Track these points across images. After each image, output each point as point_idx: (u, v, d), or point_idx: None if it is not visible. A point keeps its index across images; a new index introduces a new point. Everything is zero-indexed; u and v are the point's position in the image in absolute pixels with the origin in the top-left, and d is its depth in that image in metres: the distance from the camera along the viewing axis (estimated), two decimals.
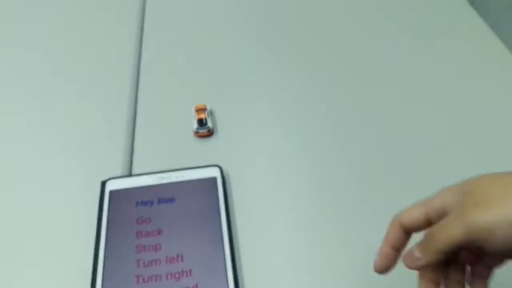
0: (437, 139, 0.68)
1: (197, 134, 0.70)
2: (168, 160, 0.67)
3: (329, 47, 0.85)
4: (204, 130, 0.69)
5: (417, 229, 0.37)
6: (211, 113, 0.73)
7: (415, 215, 0.36)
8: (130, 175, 0.65)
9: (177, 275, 0.53)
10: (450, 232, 0.32)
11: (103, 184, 0.63)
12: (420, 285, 0.37)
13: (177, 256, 0.55)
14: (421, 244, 0.35)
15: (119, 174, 0.65)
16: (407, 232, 0.37)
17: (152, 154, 0.69)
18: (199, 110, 0.72)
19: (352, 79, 0.78)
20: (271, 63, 0.82)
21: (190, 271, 0.53)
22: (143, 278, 0.53)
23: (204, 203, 0.60)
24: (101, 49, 0.86)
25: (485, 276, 0.36)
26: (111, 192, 0.61)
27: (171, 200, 0.61)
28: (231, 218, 0.59)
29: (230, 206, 0.60)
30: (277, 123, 0.73)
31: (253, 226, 0.59)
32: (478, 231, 0.31)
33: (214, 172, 0.63)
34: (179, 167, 0.65)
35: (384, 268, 0.37)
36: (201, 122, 0.70)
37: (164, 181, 0.62)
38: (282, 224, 0.60)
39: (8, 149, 0.70)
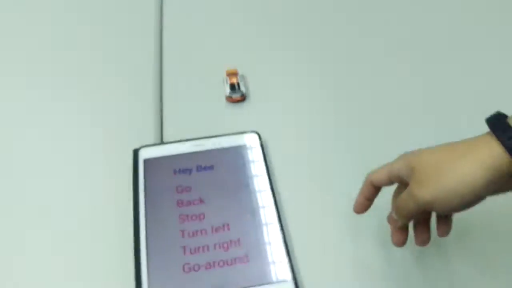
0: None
1: (230, 99, 0.67)
2: (200, 126, 0.64)
3: (366, 13, 0.81)
4: (237, 94, 0.66)
5: (383, 185, 0.47)
6: (243, 78, 0.69)
7: (381, 177, 0.46)
8: (162, 142, 0.62)
9: (225, 245, 0.51)
10: (407, 206, 0.42)
11: (136, 152, 0.59)
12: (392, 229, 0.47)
13: (223, 226, 0.52)
14: (395, 211, 0.45)
15: (151, 143, 0.62)
16: (376, 188, 0.47)
17: (183, 121, 0.66)
18: (231, 74, 0.68)
19: (389, 44, 0.75)
20: (304, 23, 0.79)
21: (238, 240, 0.51)
22: (190, 249, 0.50)
23: (245, 171, 0.57)
24: (124, 16, 0.81)
25: (448, 216, 0.46)
26: (145, 161, 0.58)
27: (210, 167, 0.58)
28: (273, 185, 0.56)
29: (270, 173, 0.58)
30: (311, 86, 0.70)
31: (296, 192, 0.57)
32: (424, 205, 0.40)
33: (252, 139, 0.61)
34: (212, 134, 0.62)
35: (360, 211, 0.49)
36: (234, 87, 0.67)
37: (201, 148, 0.60)
38: (323, 187, 0.57)
39: (36, 120, 0.66)
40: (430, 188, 0.39)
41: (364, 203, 0.48)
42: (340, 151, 0.61)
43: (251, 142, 0.60)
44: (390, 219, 0.46)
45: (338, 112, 0.66)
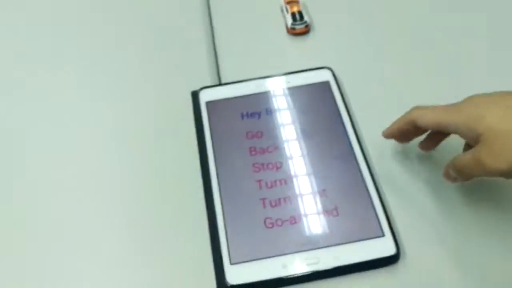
0: None
1: (293, 31, 0.59)
2: (260, 64, 0.58)
3: None
4: (301, 25, 0.59)
5: (426, 129, 0.44)
6: (305, 6, 0.61)
7: (428, 122, 0.42)
8: (223, 83, 0.55)
9: (309, 197, 0.45)
10: (473, 171, 0.40)
11: (195, 95, 0.53)
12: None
13: (305, 175, 0.46)
14: (455, 170, 0.41)
15: (209, 84, 0.55)
16: (416, 127, 0.43)
17: (240, 58, 0.59)
18: (291, 2, 0.60)
19: None
20: None
21: (324, 191, 0.45)
22: (270, 202, 0.45)
23: (321, 112, 0.51)
24: None
25: None
26: (207, 104, 0.52)
27: (281, 110, 0.51)
28: (356, 126, 0.50)
29: (351, 113, 0.51)
30: (380, 12, 0.61)
31: (379, 135, 0.50)
32: (496, 174, 0.39)
33: (325, 75, 0.54)
34: (274, 72, 0.55)
35: (388, 137, 0.46)
36: (295, 17, 0.59)
37: (268, 88, 0.53)
38: None
39: (92, 66, 0.60)
40: (505, 160, 0.37)
41: (394, 134, 0.46)
42: (416, 85, 0.54)
43: (324, 79, 0.53)
44: (448, 177, 0.43)
45: (411, 43, 0.58)
